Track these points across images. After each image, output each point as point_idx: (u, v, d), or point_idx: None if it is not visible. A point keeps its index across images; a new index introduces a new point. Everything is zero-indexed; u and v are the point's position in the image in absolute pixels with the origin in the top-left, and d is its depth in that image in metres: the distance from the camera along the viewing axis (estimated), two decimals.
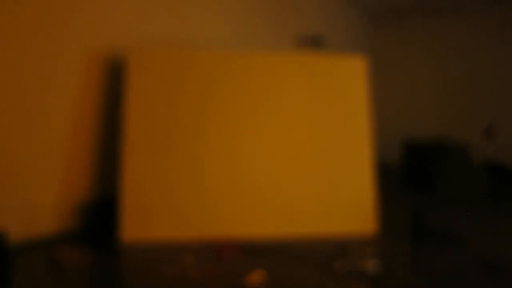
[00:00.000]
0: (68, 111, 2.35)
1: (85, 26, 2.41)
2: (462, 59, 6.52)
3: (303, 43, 4.79)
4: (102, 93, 2.56)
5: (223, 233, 2.32)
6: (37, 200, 2.19)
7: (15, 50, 2.07)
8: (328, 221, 2.44)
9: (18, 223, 2.09)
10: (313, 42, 4.97)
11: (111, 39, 2.59)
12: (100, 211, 2.44)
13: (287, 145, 2.50)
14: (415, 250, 2.14)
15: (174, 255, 1.99)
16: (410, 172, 4.85)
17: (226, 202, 2.37)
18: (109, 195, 2.58)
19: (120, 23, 2.64)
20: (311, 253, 2.05)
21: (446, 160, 4.30)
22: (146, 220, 2.27)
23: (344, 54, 6.01)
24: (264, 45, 4.14)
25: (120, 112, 2.67)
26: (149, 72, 2.44)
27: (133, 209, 2.27)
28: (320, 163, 2.51)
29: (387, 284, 1.65)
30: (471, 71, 6.44)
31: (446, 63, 6.66)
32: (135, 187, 2.30)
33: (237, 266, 1.84)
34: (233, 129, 2.47)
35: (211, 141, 2.43)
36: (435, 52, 6.77)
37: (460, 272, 1.80)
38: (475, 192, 4.03)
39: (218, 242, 2.23)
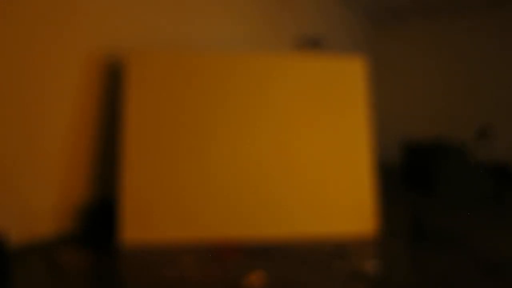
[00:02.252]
0: (68, 113, 2.35)
1: (85, 28, 2.42)
2: (461, 60, 6.52)
3: (302, 44, 4.80)
4: (102, 95, 2.56)
5: (222, 234, 2.32)
6: (36, 202, 2.19)
7: (14, 52, 2.07)
8: (328, 222, 2.44)
9: (18, 226, 2.09)
10: (313, 43, 4.98)
11: (112, 41, 2.59)
12: (100, 213, 2.44)
13: (287, 146, 2.50)
14: (415, 250, 2.14)
15: (174, 256, 1.99)
16: (410, 173, 4.84)
17: (226, 203, 2.37)
18: (109, 197, 2.58)
19: (120, 25, 2.64)
20: (310, 254, 2.05)
21: (445, 160, 4.30)
22: (145, 222, 2.27)
23: (343, 55, 6.01)
24: (264, 45, 4.14)
25: (120, 114, 2.67)
26: (148, 74, 2.44)
27: (133, 210, 2.27)
28: (320, 164, 2.51)
29: (387, 285, 1.65)
30: (470, 72, 6.45)
31: (445, 64, 6.67)
32: (134, 189, 2.30)
33: (236, 267, 1.84)
34: (232, 130, 2.47)
35: (211, 143, 2.43)
36: (434, 53, 6.77)
37: (459, 272, 1.80)
38: (475, 192, 4.03)
39: (217, 243, 2.23)
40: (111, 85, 2.63)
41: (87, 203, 2.46)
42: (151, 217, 2.28)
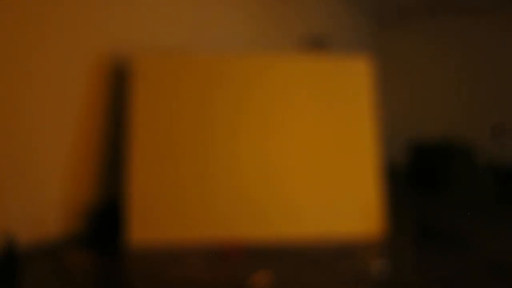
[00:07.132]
0: (75, 115, 2.37)
1: (91, 31, 2.44)
2: (468, 59, 6.47)
3: (308, 44, 4.79)
4: (108, 97, 2.58)
5: (228, 235, 2.33)
6: (44, 203, 2.21)
7: (22, 55, 2.09)
8: (335, 222, 2.43)
9: (26, 227, 2.11)
10: (318, 43, 4.97)
11: (117, 45, 2.61)
12: (107, 214, 2.45)
13: (292, 147, 2.50)
14: (422, 251, 2.13)
15: (180, 257, 2.00)
16: (417, 173, 4.81)
17: (232, 204, 2.37)
18: (115, 198, 2.59)
19: (125, 29, 2.65)
20: (317, 254, 2.05)
21: (452, 161, 4.27)
22: (152, 223, 2.28)
23: (349, 54, 6.00)
24: (270, 45, 4.15)
25: (126, 116, 2.69)
26: (154, 77, 2.45)
27: (140, 211, 2.28)
28: (326, 164, 2.51)
29: (394, 286, 1.64)
30: (477, 71, 6.39)
31: (452, 64, 6.62)
32: (141, 190, 2.31)
33: (242, 267, 1.84)
34: (237, 131, 2.47)
35: (215, 144, 2.43)
36: (440, 52, 6.72)
37: (466, 273, 1.79)
38: (482, 193, 4.00)
39: (224, 244, 2.23)
40: (117, 88, 2.65)
41: (94, 204, 2.48)
42: (158, 218, 2.29)
